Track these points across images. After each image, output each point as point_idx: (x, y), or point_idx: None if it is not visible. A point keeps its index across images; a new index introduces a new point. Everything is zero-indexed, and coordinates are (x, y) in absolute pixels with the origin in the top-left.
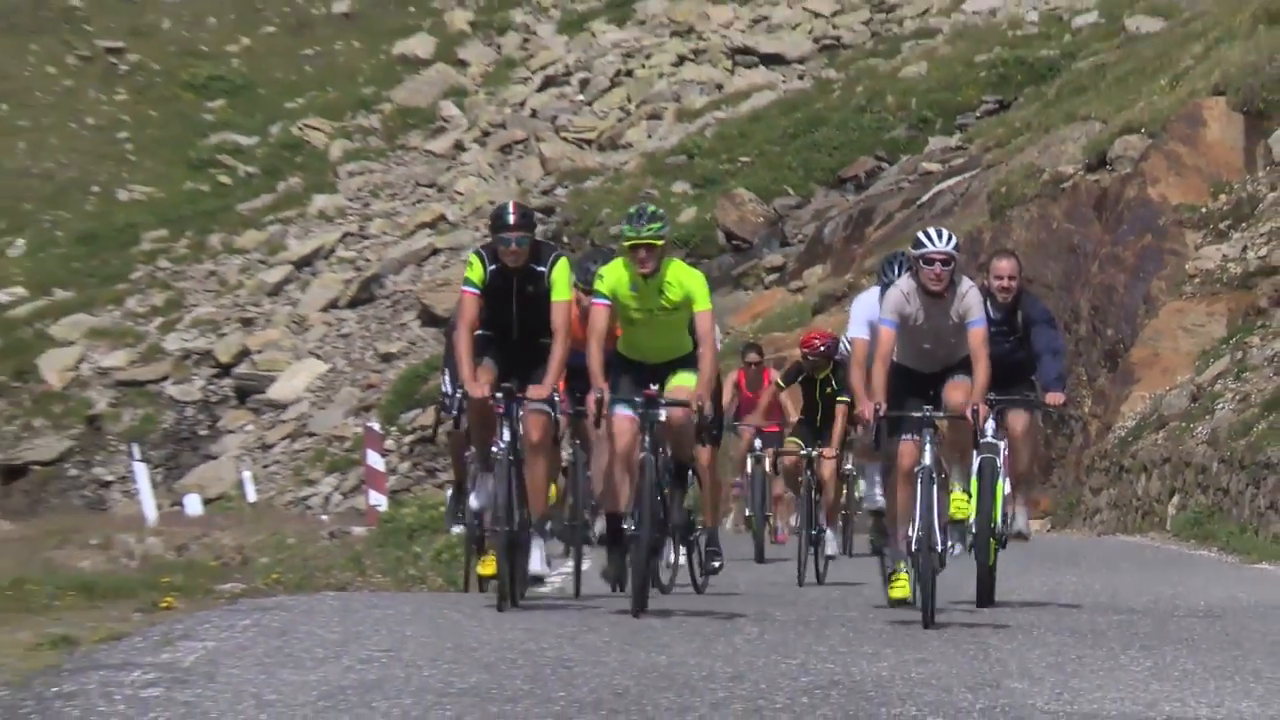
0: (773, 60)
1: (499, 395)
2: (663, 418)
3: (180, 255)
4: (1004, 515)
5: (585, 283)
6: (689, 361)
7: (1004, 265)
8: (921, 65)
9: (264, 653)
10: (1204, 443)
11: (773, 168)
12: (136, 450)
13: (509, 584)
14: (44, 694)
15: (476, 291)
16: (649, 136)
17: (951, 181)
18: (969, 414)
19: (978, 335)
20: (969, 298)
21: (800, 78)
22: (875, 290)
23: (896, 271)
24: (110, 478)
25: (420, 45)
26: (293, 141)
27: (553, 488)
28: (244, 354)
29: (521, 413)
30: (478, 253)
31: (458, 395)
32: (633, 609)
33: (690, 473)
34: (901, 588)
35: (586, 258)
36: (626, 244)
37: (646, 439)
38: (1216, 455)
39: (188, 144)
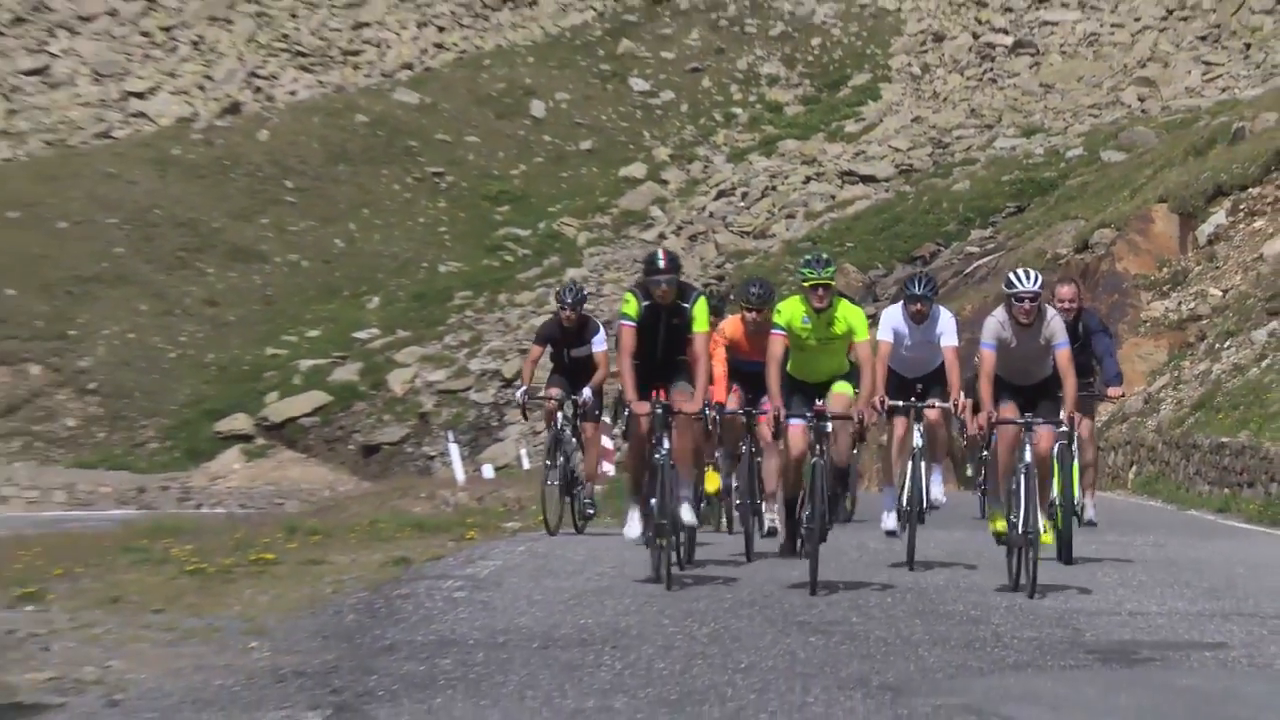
0: (868, 179)
1: (658, 411)
2: (829, 429)
3: (479, 308)
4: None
5: (744, 299)
6: (844, 376)
7: (1065, 290)
8: (966, 182)
9: (533, 568)
10: (1152, 431)
11: (868, 250)
12: (451, 435)
13: (669, 565)
14: (389, 595)
15: (634, 324)
16: (787, 230)
17: (985, 259)
18: (1067, 421)
19: (1064, 356)
20: (1053, 324)
21: (886, 191)
22: (898, 306)
23: (916, 287)
24: (433, 453)
25: (636, 170)
26: (553, 233)
27: (714, 479)
28: (520, 373)
29: (673, 423)
30: (632, 291)
31: (625, 411)
32: (811, 589)
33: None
34: (999, 521)
35: (746, 284)
36: (807, 284)
37: (818, 447)
38: (1160, 439)
39: (484, 235)
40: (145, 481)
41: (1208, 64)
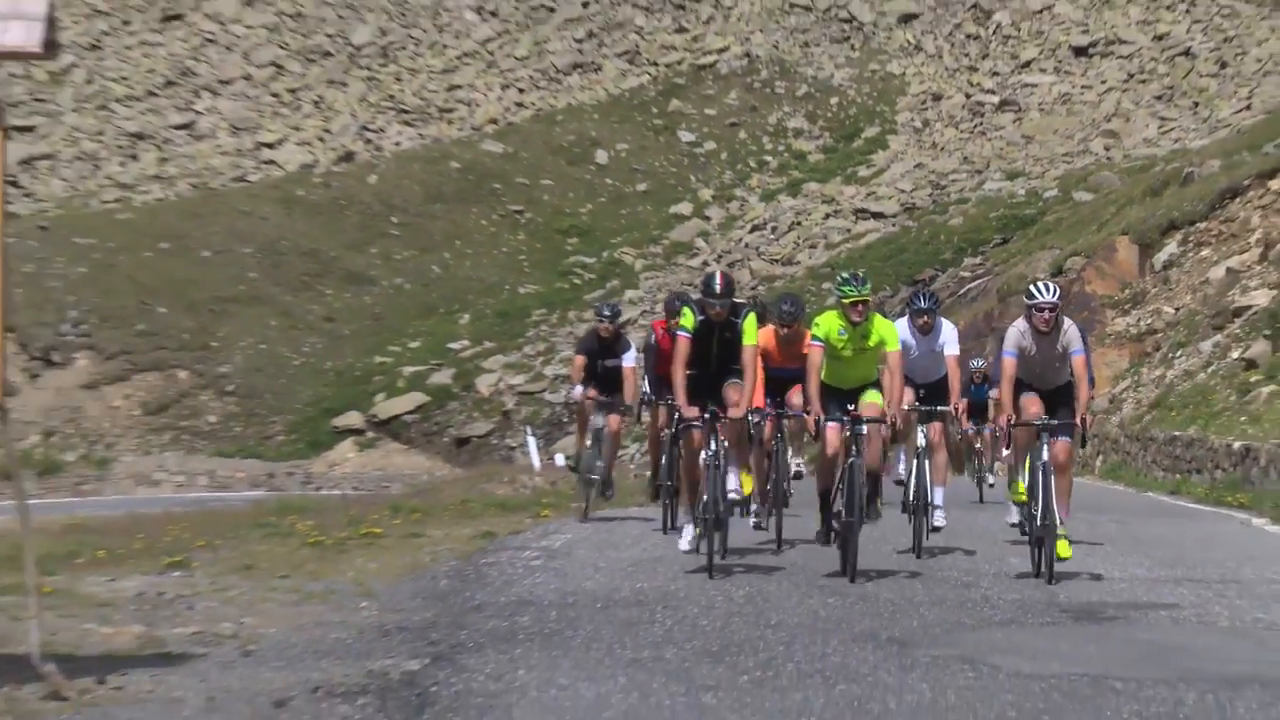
0: (877, 216)
1: (707, 417)
2: (864, 431)
3: (553, 323)
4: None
5: (779, 317)
6: (875, 384)
7: None
8: (960, 218)
9: (598, 541)
10: (1116, 426)
11: (877, 274)
12: (529, 429)
13: (713, 556)
14: (478, 563)
15: (689, 336)
16: (809, 258)
17: (977, 282)
18: (1079, 422)
19: (1080, 362)
20: (1070, 333)
21: (893, 225)
22: (905, 319)
23: (922, 301)
24: (514, 445)
25: (684, 208)
26: (614, 261)
27: (747, 480)
28: None
29: (721, 427)
30: (689, 306)
31: (677, 419)
32: (850, 577)
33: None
34: (1019, 492)
35: (779, 301)
36: (846, 300)
37: (854, 449)
38: (1123, 433)
39: (557, 262)
40: (274, 468)
41: (1163, 119)
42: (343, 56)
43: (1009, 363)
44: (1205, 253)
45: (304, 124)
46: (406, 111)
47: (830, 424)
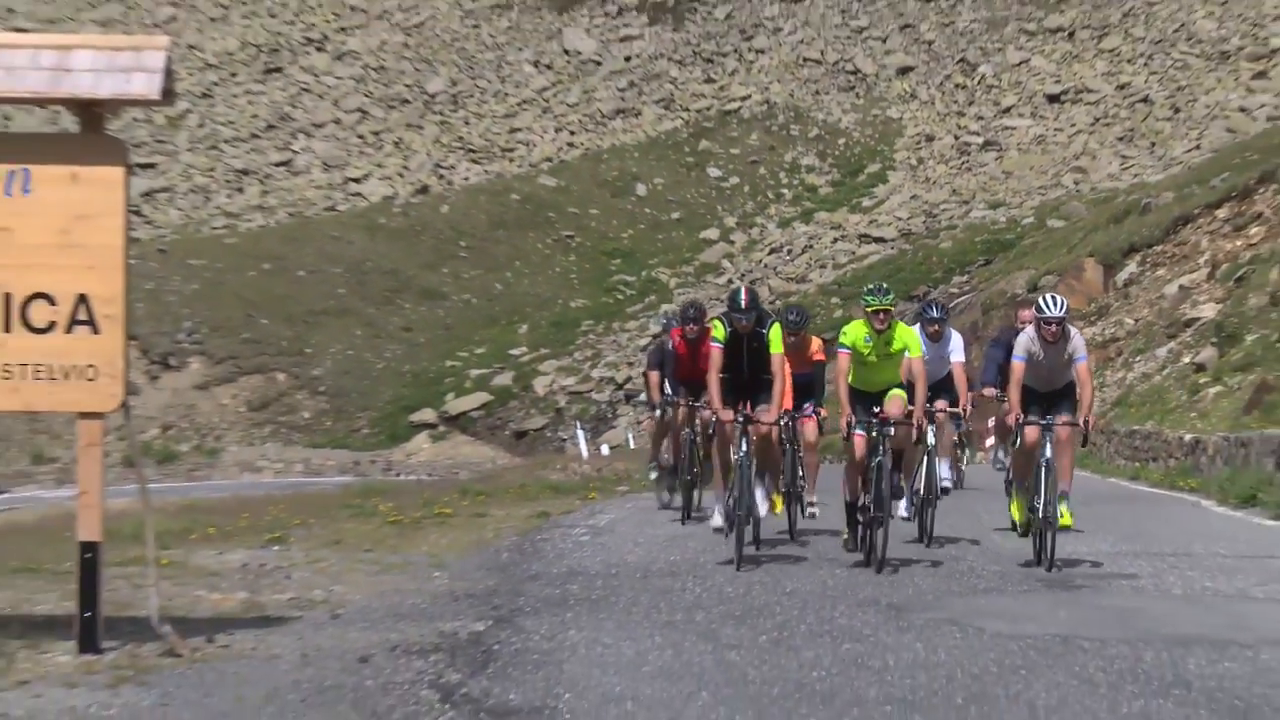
0: (878, 240)
1: (739, 420)
2: (892, 433)
3: (599, 332)
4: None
5: (785, 326)
6: (898, 385)
7: (1026, 314)
8: (949, 242)
9: (638, 520)
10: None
11: None
12: (579, 423)
13: (741, 550)
14: (534, 539)
15: (721, 346)
16: (820, 276)
17: (964, 297)
18: (1082, 423)
19: (1084, 368)
20: (1075, 341)
21: (891, 248)
22: (916, 327)
23: (934, 311)
24: (565, 437)
25: (711, 233)
26: (652, 279)
27: (778, 502)
28: (628, 379)
29: (752, 429)
30: (719, 319)
31: (712, 420)
32: (877, 569)
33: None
34: (1019, 510)
35: (785, 311)
36: (870, 309)
37: (880, 448)
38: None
39: (602, 280)
40: (359, 457)
41: (1124, 157)
42: (419, 103)
43: (1018, 366)
44: (1161, 272)
45: (386, 162)
46: (474, 151)
47: (858, 432)
